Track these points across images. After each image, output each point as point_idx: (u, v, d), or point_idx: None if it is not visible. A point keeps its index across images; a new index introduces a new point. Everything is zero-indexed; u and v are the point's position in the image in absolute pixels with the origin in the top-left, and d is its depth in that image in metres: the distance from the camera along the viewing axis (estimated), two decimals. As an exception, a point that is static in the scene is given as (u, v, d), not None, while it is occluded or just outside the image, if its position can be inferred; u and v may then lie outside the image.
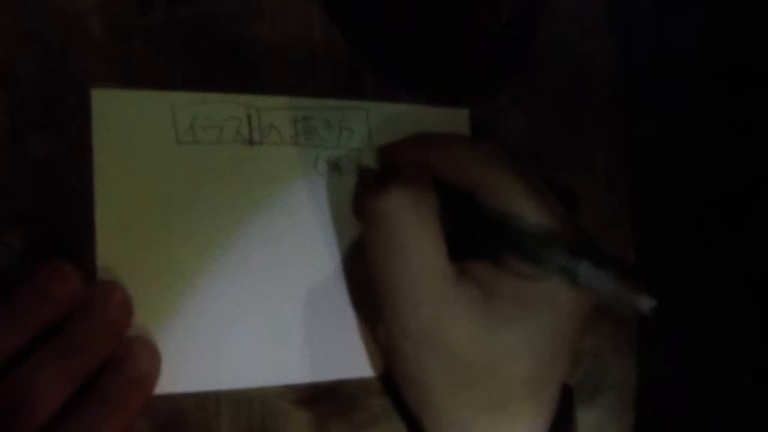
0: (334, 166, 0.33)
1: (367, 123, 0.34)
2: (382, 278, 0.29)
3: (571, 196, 0.36)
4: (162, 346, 0.30)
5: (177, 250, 0.30)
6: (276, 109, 0.32)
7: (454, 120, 0.35)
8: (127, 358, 0.28)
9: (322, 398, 0.32)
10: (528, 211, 0.29)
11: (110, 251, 0.29)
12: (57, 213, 0.29)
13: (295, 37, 0.33)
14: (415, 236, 0.29)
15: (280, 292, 0.32)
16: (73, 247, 0.29)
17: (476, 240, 0.30)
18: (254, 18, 0.32)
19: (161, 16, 0.31)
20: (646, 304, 0.27)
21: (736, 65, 0.40)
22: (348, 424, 0.33)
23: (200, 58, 0.32)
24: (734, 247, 0.40)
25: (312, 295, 0.32)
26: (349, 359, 0.32)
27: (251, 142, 0.32)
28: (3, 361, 0.26)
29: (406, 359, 0.29)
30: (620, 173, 0.38)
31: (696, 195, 0.40)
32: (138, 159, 0.30)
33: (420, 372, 0.29)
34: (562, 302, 0.29)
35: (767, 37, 0.38)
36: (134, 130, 0.30)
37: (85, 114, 0.30)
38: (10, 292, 0.27)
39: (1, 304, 0.27)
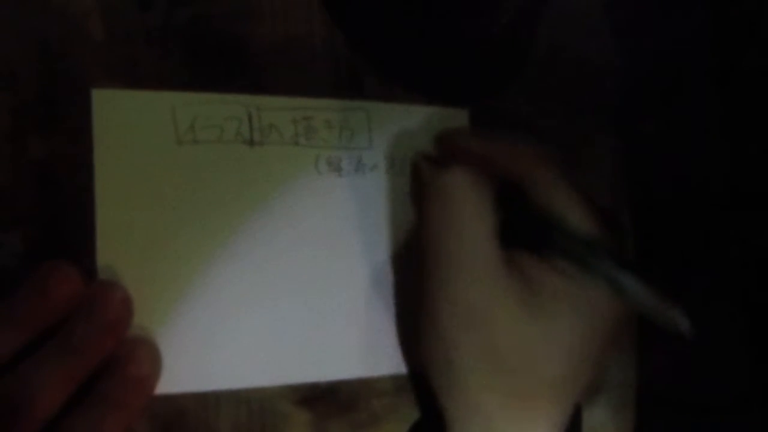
0: (335, 166, 0.33)
1: (367, 123, 0.34)
2: (435, 252, 0.30)
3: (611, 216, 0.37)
4: (162, 346, 0.30)
5: (177, 250, 0.30)
6: (276, 110, 0.32)
7: (454, 120, 0.35)
8: (127, 358, 0.28)
9: (322, 398, 0.32)
10: (579, 215, 0.29)
11: (110, 251, 0.29)
12: (57, 213, 0.29)
13: (296, 38, 0.33)
14: (474, 215, 0.29)
15: (280, 292, 0.32)
16: (73, 247, 0.29)
17: (523, 235, 0.30)
18: (254, 18, 0.32)
19: (161, 16, 0.31)
20: (685, 324, 0.27)
21: (736, 65, 0.40)
22: (348, 424, 0.33)
23: (200, 58, 0.32)
24: (733, 247, 0.40)
25: (312, 295, 0.32)
26: (349, 359, 0.32)
27: (252, 143, 0.32)
28: (3, 361, 0.26)
29: (442, 338, 0.29)
30: (620, 173, 0.38)
31: (696, 195, 0.40)
32: (138, 159, 0.30)
33: (454, 353, 0.29)
34: (602, 309, 0.29)
35: (767, 37, 0.38)
36: (135, 130, 0.30)
37: (86, 114, 0.30)
38: (10, 292, 0.27)
39: (1, 303, 0.27)
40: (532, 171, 0.30)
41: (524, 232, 0.30)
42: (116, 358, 0.28)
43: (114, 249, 0.29)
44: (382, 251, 0.33)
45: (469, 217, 0.29)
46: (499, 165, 0.31)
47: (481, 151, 0.31)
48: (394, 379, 0.33)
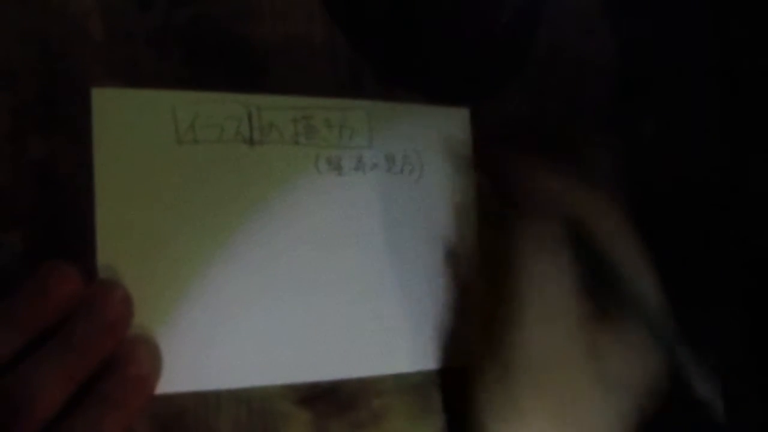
0: (335, 165, 0.33)
1: (367, 122, 0.34)
2: (522, 299, 0.30)
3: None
4: (162, 345, 0.30)
5: (177, 249, 0.30)
6: (276, 109, 0.32)
7: (454, 120, 0.35)
8: (127, 357, 0.28)
9: (322, 398, 0.32)
10: (649, 278, 0.30)
11: (110, 251, 0.29)
12: (57, 213, 0.29)
13: (296, 37, 0.33)
14: (566, 268, 0.30)
15: (279, 291, 0.32)
16: (73, 247, 0.29)
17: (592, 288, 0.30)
18: (255, 18, 0.32)
19: (161, 16, 0.31)
20: (720, 409, 0.27)
21: (736, 65, 0.40)
22: (348, 424, 0.33)
23: (200, 58, 0.32)
24: (733, 247, 0.40)
25: (312, 294, 0.32)
26: (349, 359, 0.32)
27: (252, 142, 0.32)
28: (3, 361, 0.26)
29: (510, 386, 0.30)
30: (620, 173, 0.38)
31: (696, 195, 0.40)
32: (138, 158, 0.30)
33: (520, 395, 0.29)
34: (650, 385, 0.29)
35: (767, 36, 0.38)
36: (135, 130, 0.30)
37: (86, 114, 0.30)
38: (10, 292, 0.27)
39: (1, 303, 0.27)
40: (601, 219, 0.31)
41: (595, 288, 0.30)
42: (116, 357, 0.28)
43: (114, 248, 0.29)
44: (381, 250, 0.33)
45: (561, 272, 0.30)
46: (568, 207, 0.31)
47: (556, 192, 0.32)
48: (395, 378, 0.33)
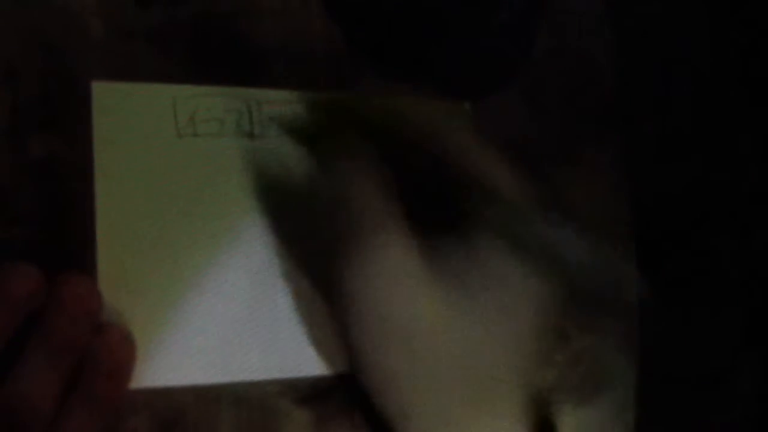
0: None
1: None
2: (334, 248, 0.28)
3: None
4: (163, 338, 0.30)
5: (178, 242, 0.30)
6: (276, 103, 0.32)
7: (455, 114, 0.35)
8: (101, 350, 0.28)
9: (322, 398, 0.32)
10: (504, 183, 0.27)
11: (111, 245, 0.29)
12: (57, 213, 0.29)
13: (295, 34, 0.33)
14: (372, 213, 0.27)
15: (281, 285, 0.32)
16: (74, 245, 0.29)
17: (446, 217, 0.28)
18: (254, 15, 0.33)
19: (161, 14, 0.31)
20: (636, 282, 0.25)
21: (736, 65, 0.40)
22: (348, 424, 0.33)
23: (200, 56, 0.32)
24: (731, 248, 0.40)
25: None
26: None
27: (252, 136, 0.32)
28: None
29: (369, 346, 0.27)
30: (620, 173, 0.38)
31: (696, 195, 0.40)
32: (138, 152, 0.30)
33: (381, 358, 0.27)
34: (533, 290, 0.27)
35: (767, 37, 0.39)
36: (135, 124, 0.30)
37: (86, 113, 0.30)
38: None
39: None
40: (442, 133, 0.28)
41: (446, 214, 0.28)
42: (91, 352, 0.27)
43: (114, 243, 0.29)
44: None
45: (374, 225, 0.27)
46: (403, 132, 0.29)
47: (379, 120, 0.29)
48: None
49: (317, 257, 0.30)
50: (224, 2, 0.32)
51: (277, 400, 0.32)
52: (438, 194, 0.28)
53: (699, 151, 0.40)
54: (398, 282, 0.27)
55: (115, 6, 0.31)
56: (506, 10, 0.34)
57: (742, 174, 0.40)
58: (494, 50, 0.36)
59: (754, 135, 0.40)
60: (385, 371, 0.27)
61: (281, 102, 0.32)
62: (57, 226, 0.29)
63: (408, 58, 0.35)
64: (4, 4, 0.29)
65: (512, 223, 0.26)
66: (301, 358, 0.32)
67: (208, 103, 0.31)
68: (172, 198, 0.30)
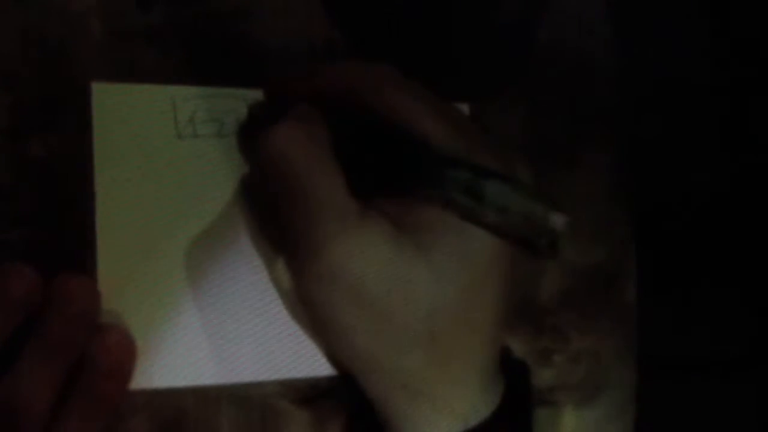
0: None
1: None
2: (280, 223, 0.28)
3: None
4: (164, 339, 0.30)
5: (178, 243, 0.30)
6: None
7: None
8: (98, 348, 0.28)
9: (322, 398, 0.32)
10: (432, 131, 0.27)
11: (111, 246, 0.29)
12: (57, 213, 0.29)
13: (296, 37, 0.33)
14: (310, 173, 0.27)
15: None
16: (74, 245, 0.29)
17: (382, 174, 0.28)
18: (254, 16, 0.32)
19: (161, 15, 0.31)
20: (559, 220, 0.25)
21: (737, 65, 0.40)
22: (348, 424, 0.33)
23: (201, 57, 0.32)
24: (732, 248, 0.40)
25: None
26: None
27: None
28: None
29: (321, 306, 0.28)
30: (620, 173, 0.38)
31: (696, 195, 0.40)
32: (138, 153, 0.30)
33: (336, 316, 0.27)
34: (473, 231, 0.27)
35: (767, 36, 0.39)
36: (134, 124, 0.30)
37: (86, 113, 0.30)
38: None
39: None
40: (381, 99, 0.28)
41: (381, 170, 0.28)
42: (88, 350, 0.28)
43: (114, 243, 0.29)
44: None
45: (308, 181, 0.27)
46: (334, 95, 0.28)
47: (312, 93, 0.29)
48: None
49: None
50: (225, 3, 0.32)
51: (277, 400, 0.32)
52: (375, 154, 0.29)
53: (699, 151, 0.40)
54: (367, 257, 0.27)
55: (115, 6, 0.31)
56: (507, 11, 0.34)
57: (742, 174, 0.40)
58: (495, 51, 0.36)
59: (755, 135, 0.40)
60: (354, 345, 0.28)
61: (281, 102, 0.32)
62: (57, 226, 0.29)
63: (408, 59, 0.35)
64: (4, 4, 0.29)
65: (440, 171, 0.26)
66: (300, 359, 0.32)
67: (208, 103, 0.31)
68: (172, 198, 0.30)
